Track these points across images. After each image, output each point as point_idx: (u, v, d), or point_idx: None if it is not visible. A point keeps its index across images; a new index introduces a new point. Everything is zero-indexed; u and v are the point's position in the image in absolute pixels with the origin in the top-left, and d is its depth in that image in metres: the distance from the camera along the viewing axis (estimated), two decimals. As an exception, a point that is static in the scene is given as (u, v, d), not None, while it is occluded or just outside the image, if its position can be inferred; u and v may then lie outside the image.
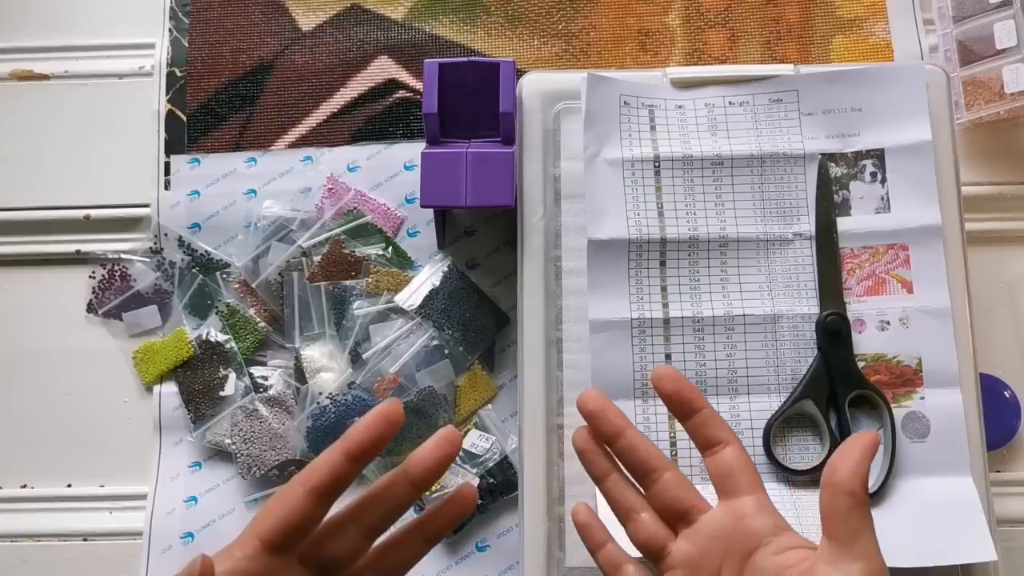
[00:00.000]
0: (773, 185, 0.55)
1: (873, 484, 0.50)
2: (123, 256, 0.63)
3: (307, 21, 0.66)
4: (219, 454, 0.60)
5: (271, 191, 0.63)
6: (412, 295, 0.60)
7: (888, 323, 0.53)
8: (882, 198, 0.54)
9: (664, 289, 0.53)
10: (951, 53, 0.63)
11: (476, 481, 0.57)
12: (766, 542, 0.40)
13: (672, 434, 0.52)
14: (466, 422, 0.59)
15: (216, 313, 0.61)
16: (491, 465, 0.57)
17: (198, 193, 0.63)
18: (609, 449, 0.44)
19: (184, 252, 0.62)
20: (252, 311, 0.61)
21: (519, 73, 0.57)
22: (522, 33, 0.66)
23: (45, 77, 0.66)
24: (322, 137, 0.64)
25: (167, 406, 0.61)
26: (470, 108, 0.56)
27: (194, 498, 0.59)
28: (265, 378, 0.60)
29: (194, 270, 0.62)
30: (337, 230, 0.62)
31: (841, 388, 0.52)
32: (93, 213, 0.64)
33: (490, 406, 0.60)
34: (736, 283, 0.54)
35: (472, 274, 0.61)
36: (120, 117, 0.65)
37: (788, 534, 0.40)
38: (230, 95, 0.65)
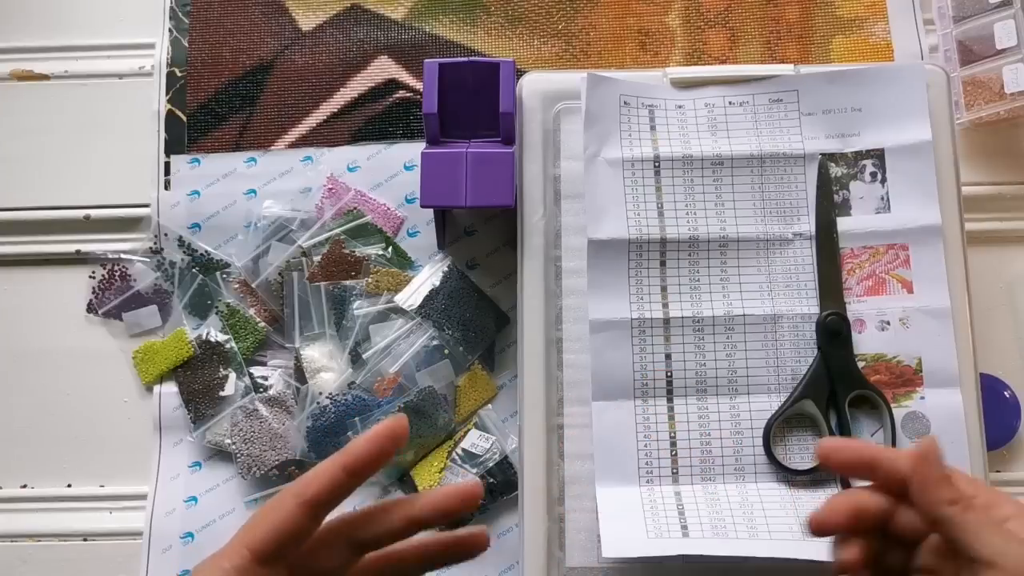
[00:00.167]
0: (773, 185, 0.55)
1: (873, 484, 0.50)
2: (123, 256, 0.63)
3: (307, 21, 0.66)
4: (219, 454, 0.60)
5: (271, 191, 0.63)
6: (412, 295, 0.60)
7: (888, 323, 0.53)
8: (882, 198, 0.54)
9: (664, 289, 0.53)
10: (951, 53, 0.63)
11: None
12: None
13: (672, 434, 0.52)
14: (466, 422, 0.59)
15: (216, 313, 0.61)
16: (491, 465, 0.57)
17: (198, 193, 0.63)
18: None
19: (184, 252, 0.62)
20: (252, 311, 0.61)
21: (519, 73, 0.57)
22: (522, 33, 0.66)
23: (45, 77, 0.66)
24: (322, 137, 0.64)
25: (167, 406, 0.61)
26: (470, 108, 0.56)
27: (194, 498, 0.59)
28: (265, 378, 0.60)
29: (194, 270, 0.62)
30: (337, 230, 0.62)
31: (841, 388, 0.52)
32: (93, 213, 0.64)
33: (490, 406, 0.60)
34: (736, 283, 0.54)
35: (472, 274, 0.61)
36: (120, 117, 0.65)
37: None
38: (230, 95, 0.65)
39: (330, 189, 0.63)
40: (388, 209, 0.63)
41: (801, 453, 0.52)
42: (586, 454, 0.52)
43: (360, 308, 0.60)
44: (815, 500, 0.51)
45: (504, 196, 0.54)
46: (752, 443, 0.52)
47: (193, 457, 0.60)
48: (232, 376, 0.60)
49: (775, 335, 0.53)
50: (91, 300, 0.63)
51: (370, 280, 0.60)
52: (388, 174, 0.63)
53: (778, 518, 0.50)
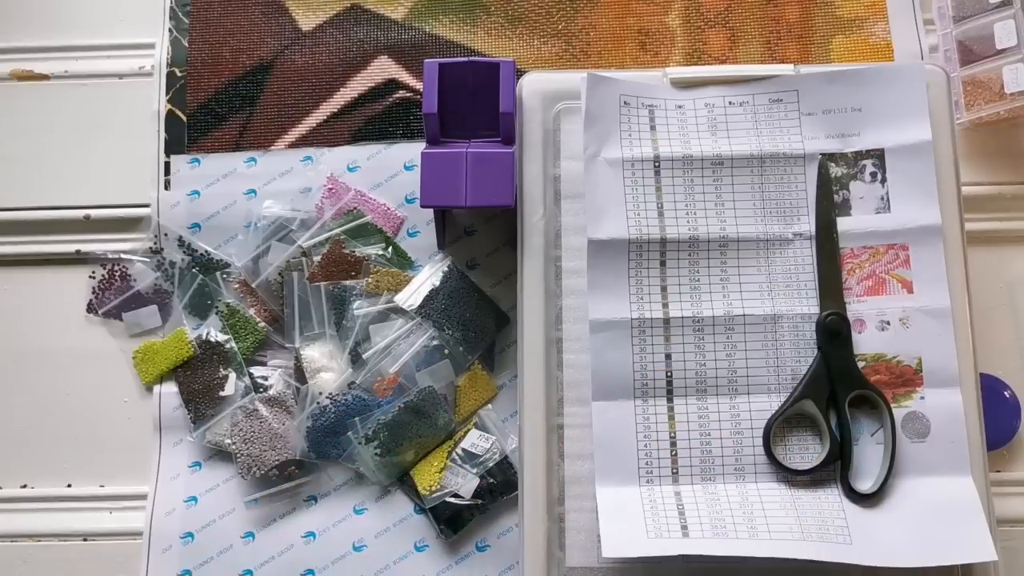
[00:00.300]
0: (773, 185, 0.55)
1: (873, 484, 0.50)
2: (123, 256, 0.63)
3: (307, 21, 0.66)
4: (219, 454, 0.60)
5: (271, 191, 0.63)
6: (412, 295, 0.60)
7: (888, 323, 0.53)
8: (882, 198, 0.54)
9: (664, 289, 0.53)
10: (951, 53, 0.63)
11: (476, 481, 0.57)
12: None
13: (672, 434, 0.52)
14: (466, 422, 0.59)
15: (216, 313, 0.61)
16: (491, 465, 0.57)
17: (198, 193, 0.63)
18: None
19: (184, 252, 0.62)
20: (252, 311, 0.61)
21: (519, 73, 0.57)
22: (522, 33, 0.66)
23: (45, 77, 0.66)
24: (322, 137, 0.64)
25: (167, 406, 0.61)
26: (470, 108, 0.56)
27: (194, 498, 0.59)
28: (265, 378, 0.60)
29: (194, 270, 0.62)
30: (337, 230, 0.62)
31: (841, 388, 0.52)
32: (93, 213, 0.64)
33: (490, 406, 0.60)
34: (736, 283, 0.54)
35: (472, 274, 0.61)
36: (120, 117, 0.65)
37: None
38: (230, 95, 0.65)
39: (330, 189, 0.63)
40: (388, 209, 0.63)
41: (801, 453, 0.52)
42: (586, 454, 0.52)
43: (360, 308, 0.60)
44: (815, 500, 0.51)
45: (504, 196, 0.54)
46: (752, 443, 0.52)
47: (193, 457, 0.60)
48: (232, 376, 0.60)
49: (775, 335, 0.53)
50: (91, 300, 0.63)
51: (370, 280, 0.60)
52: (388, 174, 0.63)
53: (778, 518, 0.50)
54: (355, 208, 0.62)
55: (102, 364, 0.62)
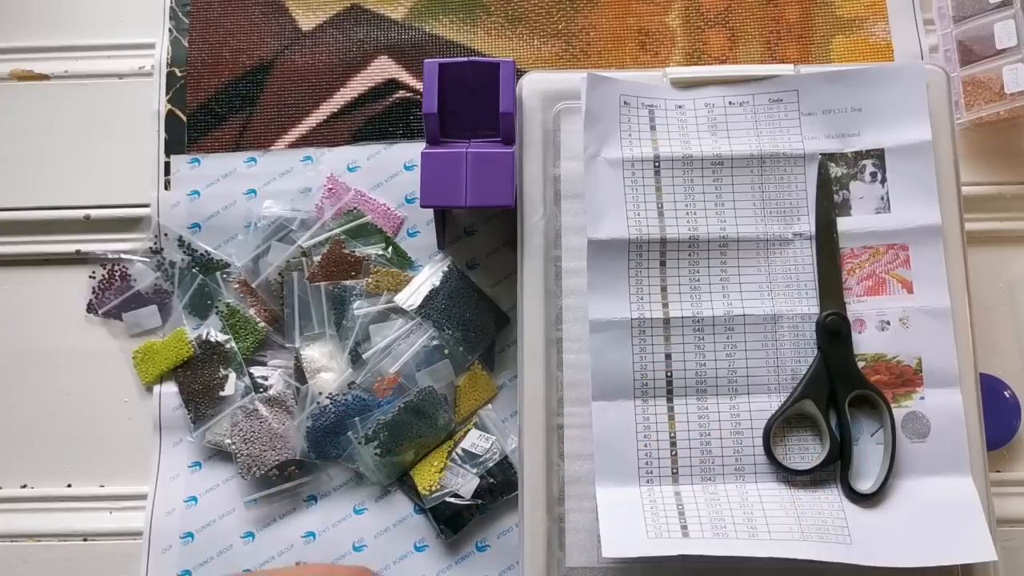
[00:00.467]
0: (773, 185, 0.55)
1: (873, 484, 0.50)
2: (123, 256, 0.63)
3: (307, 21, 0.66)
4: (219, 454, 0.60)
5: (271, 191, 0.63)
6: (412, 295, 0.60)
7: (888, 323, 0.53)
8: (882, 198, 0.54)
9: (664, 289, 0.53)
10: (951, 53, 0.63)
11: (476, 481, 0.57)
12: None
13: (672, 434, 0.52)
14: (466, 422, 0.59)
15: (216, 313, 0.61)
16: (491, 465, 0.57)
17: (198, 193, 0.63)
18: None
19: (184, 252, 0.62)
20: (252, 311, 0.61)
21: (519, 73, 0.57)
22: (522, 33, 0.66)
23: (45, 77, 0.66)
24: (322, 137, 0.64)
25: (167, 406, 0.61)
26: (470, 108, 0.56)
27: (194, 498, 0.59)
28: (265, 378, 0.60)
29: (194, 270, 0.62)
30: (337, 230, 0.62)
31: (841, 388, 0.52)
32: (93, 213, 0.64)
33: (490, 406, 0.60)
34: (736, 283, 0.54)
35: (472, 274, 0.61)
36: (120, 117, 0.65)
37: None
38: (230, 95, 0.65)
39: (330, 189, 0.63)
40: (388, 209, 0.63)
41: (801, 453, 0.52)
42: (586, 454, 0.52)
43: (360, 308, 0.60)
44: (815, 500, 0.51)
45: (504, 196, 0.54)
46: (752, 443, 0.52)
47: (193, 457, 0.60)
48: (232, 376, 0.60)
49: (775, 335, 0.53)
50: (91, 300, 0.63)
51: (370, 280, 0.60)
52: (388, 174, 0.63)
53: (778, 518, 0.50)
54: (355, 208, 0.62)
55: (102, 364, 0.62)
